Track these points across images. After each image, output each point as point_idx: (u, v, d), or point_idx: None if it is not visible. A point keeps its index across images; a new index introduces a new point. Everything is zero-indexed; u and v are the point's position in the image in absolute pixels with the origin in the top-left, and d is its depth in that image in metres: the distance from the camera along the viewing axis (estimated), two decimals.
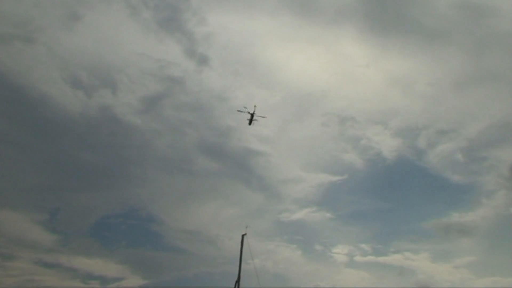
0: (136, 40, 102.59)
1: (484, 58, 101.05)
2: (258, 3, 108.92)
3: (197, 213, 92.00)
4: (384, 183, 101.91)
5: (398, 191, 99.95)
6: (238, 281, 39.96)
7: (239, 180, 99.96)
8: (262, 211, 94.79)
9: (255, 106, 67.45)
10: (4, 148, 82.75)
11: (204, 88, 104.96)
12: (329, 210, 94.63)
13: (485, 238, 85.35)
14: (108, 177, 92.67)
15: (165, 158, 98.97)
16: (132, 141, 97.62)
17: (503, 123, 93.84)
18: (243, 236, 41.32)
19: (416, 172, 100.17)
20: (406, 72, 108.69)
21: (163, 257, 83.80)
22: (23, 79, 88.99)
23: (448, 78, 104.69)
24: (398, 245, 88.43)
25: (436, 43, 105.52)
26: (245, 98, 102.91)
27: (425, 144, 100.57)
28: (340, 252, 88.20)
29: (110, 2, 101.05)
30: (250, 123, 68.51)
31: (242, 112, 66.02)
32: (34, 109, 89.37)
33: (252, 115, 67.85)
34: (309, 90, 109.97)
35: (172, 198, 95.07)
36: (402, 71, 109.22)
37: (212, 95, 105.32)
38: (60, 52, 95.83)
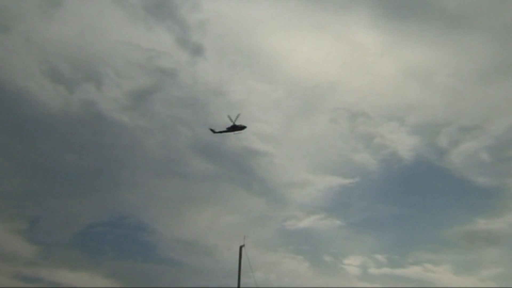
0: (122, 28, 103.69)
1: None
2: None
3: (193, 221, 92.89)
4: (400, 186, 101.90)
5: (416, 195, 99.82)
6: None
7: (239, 183, 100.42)
8: (264, 218, 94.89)
9: (238, 114, 71.14)
10: None
11: (198, 81, 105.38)
12: (340, 217, 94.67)
13: None
14: (93, 181, 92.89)
15: (156, 160, 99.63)
16: (119, 140, 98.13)
17: None
18: (241, 248, 41.56)
19: (437, 174, 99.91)
20: (425, 62, 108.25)
21: (155, 270, 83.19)
22: None
23: (473, 68, 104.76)
24: (416, 256, 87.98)
25: (459, 29, 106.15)
26: (244, 92, 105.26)
27: (446, 142, 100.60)
28: (352, 263, 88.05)
29: None
30: (214, 132, 72.57)
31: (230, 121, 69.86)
32: (10, 105, 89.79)
33: (233, 126, 71.62)
34: (316, 82, 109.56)
35: (165, 204, 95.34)
36: (421, 60, 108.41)
37: (207, 89, 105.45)
38: (39, 42, 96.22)
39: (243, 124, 74.09)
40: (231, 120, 71.75)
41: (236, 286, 40.22)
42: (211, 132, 75.75)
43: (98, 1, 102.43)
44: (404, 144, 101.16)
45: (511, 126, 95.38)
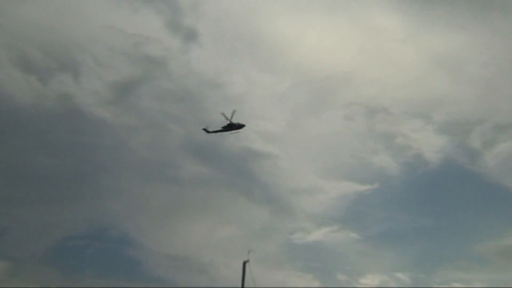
0: (104, 11, 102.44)
1: None
2: None
3: (185, 233, 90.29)
4: (425, 193, 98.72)
5: (445, 204, 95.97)
6: None
7: (238, 190, 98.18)
8: (268, 230, 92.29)
9: (234, 111, 70.12)
10: None
11: (192, 71, 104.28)
12: (355, 229, 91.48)
13: None
14: (70, 187, 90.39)
15: (143, 162, 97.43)
16: (100, 140, 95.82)
17: None
18: (244, 263, 40.02)
19: (468, 179, 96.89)
20: (454, 50, 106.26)
21: None
22: None
23: (509, 56, 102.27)
24: (444, 275, 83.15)
25: (493, 11, 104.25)
26: (245, 84, 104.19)
27: (479, 143, 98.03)
28: (370, 283, 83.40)
29: None
30: (208, 132, 72.58)
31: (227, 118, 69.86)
32: None
33: (230, 125, 71.11)
34: (327, 73, 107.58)
35: (153, 214, 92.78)
36: (449, 48, 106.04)
37: (202, 81, 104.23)
38: (8, 26, 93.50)
39: (242, 122, 72.35)
40: (227, 118, 70.51)
41: None
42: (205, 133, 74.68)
43: None
44: (430, 144, 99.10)
45: None
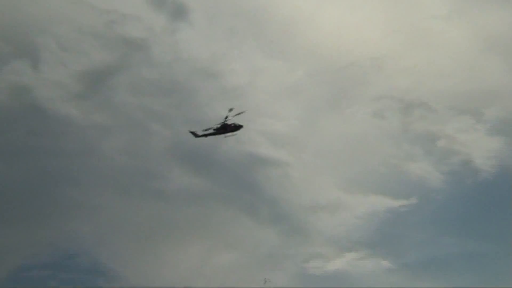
0: None
1: None
2: None
3: (173, 262, 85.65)
4: (476, 210, 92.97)
5: (500, 223, 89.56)
6: None
7: (240, 206, 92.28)
8: (277, 257, 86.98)
9: (231, 109, 67.79)
10: None
11: (180, 57, 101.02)
12: (388, 255, 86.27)
13: None
14: (27, 203, 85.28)
15: (119, 172, 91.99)
16: (65, 143, 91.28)
17: None
18: None
19: None
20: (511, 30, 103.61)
21: None
22: None
23: None
24: None
25: None
26: (247, 73, 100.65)
27: None
28: None
29: None
30: (197, 136, 70.31)
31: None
32: None
33: (224, 126, 69.19)
34: (351, 59, 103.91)
35: (132, 237, 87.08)
36: (504, 27, 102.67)
37: (193, 69, 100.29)
38: None
39: (240, 122, 70.28)
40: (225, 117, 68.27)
41: None
42: (201, 130, 71.12)
43: None
44: (482, 148, 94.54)
45: None
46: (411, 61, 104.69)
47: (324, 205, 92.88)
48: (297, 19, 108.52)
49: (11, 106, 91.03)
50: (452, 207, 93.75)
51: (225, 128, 69.84)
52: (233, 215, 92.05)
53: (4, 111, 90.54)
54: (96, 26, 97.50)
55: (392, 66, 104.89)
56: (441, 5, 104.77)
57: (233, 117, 69.10)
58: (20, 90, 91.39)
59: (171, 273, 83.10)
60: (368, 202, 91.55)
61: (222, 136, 70.93)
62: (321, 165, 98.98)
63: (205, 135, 71.21)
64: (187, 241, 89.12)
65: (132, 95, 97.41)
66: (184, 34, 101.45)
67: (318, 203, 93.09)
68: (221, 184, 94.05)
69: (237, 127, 70.21)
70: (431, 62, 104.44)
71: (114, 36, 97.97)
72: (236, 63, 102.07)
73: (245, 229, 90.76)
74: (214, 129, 70.54)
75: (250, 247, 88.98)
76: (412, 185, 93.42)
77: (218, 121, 69.97)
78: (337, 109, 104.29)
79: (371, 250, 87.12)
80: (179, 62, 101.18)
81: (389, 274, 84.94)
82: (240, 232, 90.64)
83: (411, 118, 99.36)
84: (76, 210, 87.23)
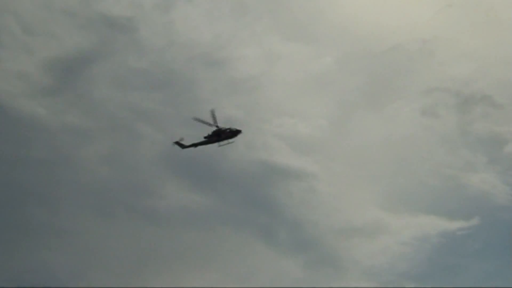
0: None
1: None
2: None
3: None
4: None
5: None
6: None
7: (253, 229, 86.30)
8: None
9: (212, 111, 64.94)
10: None
11: (175, 40, 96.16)
12: None
13: None
14: None
15: (100, 186, 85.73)
16: (29, 151, 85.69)
17: None
18: None
19: None
20: None
21: None
22: None
23: None
24: None
25: None
26: (261, 60, 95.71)
27: None
28: None
29: None
30: (183, 146, 67.11)
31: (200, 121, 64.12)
32: None
33: (218, 132, 65.41)
34: (393, 42, 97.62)
35: (116, 269, 79.80)
36: None
37: (192, 55, 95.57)
38: None
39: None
40: (213, 123, 62.94)
41: None
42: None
43: None
44: None
45: None
46: (469, 44, 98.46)
47: (360, 228, 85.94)
48: None
49: None
50: None
51: (219, 135, 64.60)
52: (244, 242, 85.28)
53: None
54: (68, 1, 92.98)
55: (446, 50, 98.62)
56: None
57: (214, 120, 63.13)
58: None
59: None
60: (416, 224, 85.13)
61: (215, 145, 65.16)
62: (356, 177, 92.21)
63: (194, 145, 66.18)
64: (186, 274, 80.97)
65: (116, 89, 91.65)
66: (180, 12, 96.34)
67: (353, 226, 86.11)
68: (229, 202, 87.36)
69: (234, 133, 64.78)
70: (496, 46, 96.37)
71: (92, 15, 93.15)
72: (247, 48, 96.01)
73: (260, 259, 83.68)
74: (205, 137, 65.58)
75: (265, 280, 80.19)
76: (472, 202, 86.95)
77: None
78: (376, 105, 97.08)
79: (420, 284, 79.59)
80: (174, 47, 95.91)
81: None
82: (254, 263, 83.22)
83: (470, 116, 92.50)
84: (47, 236, 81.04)
